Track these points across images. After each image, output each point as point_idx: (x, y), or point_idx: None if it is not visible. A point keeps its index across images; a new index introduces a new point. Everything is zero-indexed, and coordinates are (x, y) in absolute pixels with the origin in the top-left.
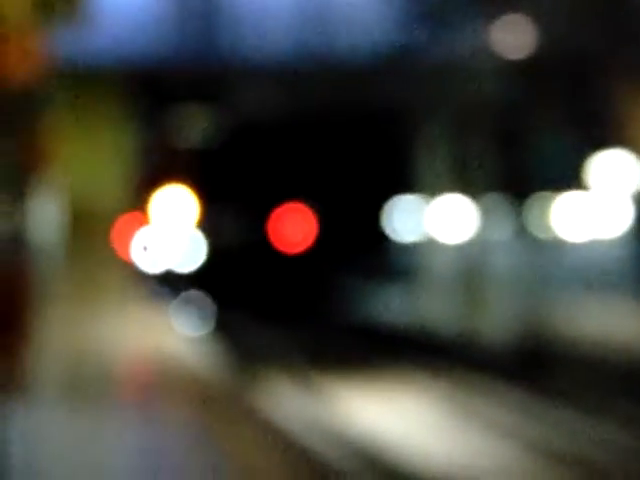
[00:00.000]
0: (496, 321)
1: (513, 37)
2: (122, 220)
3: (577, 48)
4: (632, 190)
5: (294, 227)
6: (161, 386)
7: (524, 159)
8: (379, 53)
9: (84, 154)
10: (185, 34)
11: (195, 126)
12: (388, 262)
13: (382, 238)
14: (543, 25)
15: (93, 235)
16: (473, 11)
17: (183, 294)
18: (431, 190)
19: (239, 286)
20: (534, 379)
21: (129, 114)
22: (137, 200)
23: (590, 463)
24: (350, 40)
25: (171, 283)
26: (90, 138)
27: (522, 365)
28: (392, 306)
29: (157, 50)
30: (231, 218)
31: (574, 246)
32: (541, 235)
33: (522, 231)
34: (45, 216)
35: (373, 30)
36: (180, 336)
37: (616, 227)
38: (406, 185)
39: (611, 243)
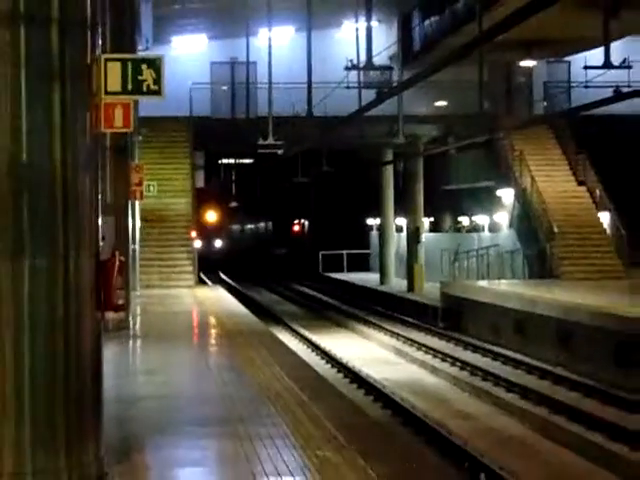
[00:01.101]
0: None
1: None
2: (189, 222)
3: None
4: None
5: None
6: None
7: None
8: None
9: (164, 175)
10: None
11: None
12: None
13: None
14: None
15: (167, 230)
16: None
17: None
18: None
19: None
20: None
21: (191, 150)
22: (197, 209)
23: (474, 366)
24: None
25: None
26: (167, 165)
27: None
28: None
29: (206, 107)
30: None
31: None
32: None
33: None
34: (134, 218)
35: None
36: (221, 294)
37: (503, 227)
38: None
39: (501, 235)
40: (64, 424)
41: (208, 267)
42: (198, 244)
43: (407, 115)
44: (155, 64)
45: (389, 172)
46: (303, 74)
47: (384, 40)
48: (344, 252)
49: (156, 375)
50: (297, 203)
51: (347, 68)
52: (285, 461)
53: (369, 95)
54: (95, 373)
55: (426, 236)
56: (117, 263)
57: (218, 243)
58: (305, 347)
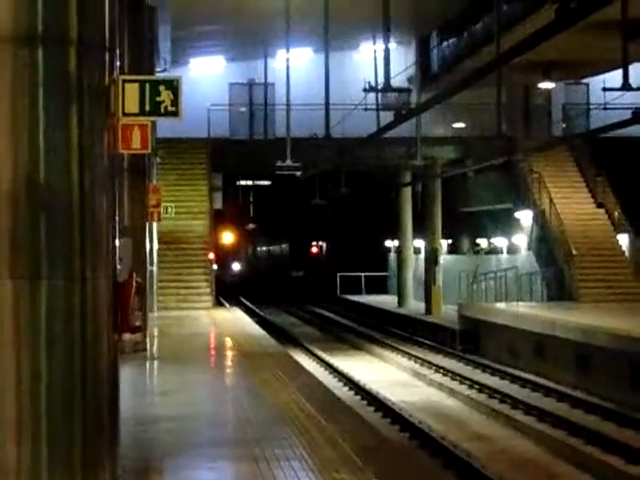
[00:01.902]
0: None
1: None
2: (206, 244)
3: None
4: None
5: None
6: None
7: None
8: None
9: (182, 197)
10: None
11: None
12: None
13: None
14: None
15: (184, 252)
16: None
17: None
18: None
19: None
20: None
21: (209, 172)
22: (214, 231)
23: (492, 388)
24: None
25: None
26: (184, 187)
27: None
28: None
29: (224, 129)
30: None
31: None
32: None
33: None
34: (152, 239)
35: None
36: (238, 315)
37: (522, 249)
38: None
39: (519, 258)
40: (81, 444)
41: (225, 290)
42: (215, 267)
43: (425, 137)
44: (173, 85)
45: (407, 194)
46: (321, 96)
47: (402, 62)
48: (362, 274)
49: (173, 396)
50: (315, 225)
51: (365, 90)
52: None
53: (387, 117)
54: (112, 394)
55: (444, 258)
56: (134, 284)
57: (235, 266)
58: (322, 369)
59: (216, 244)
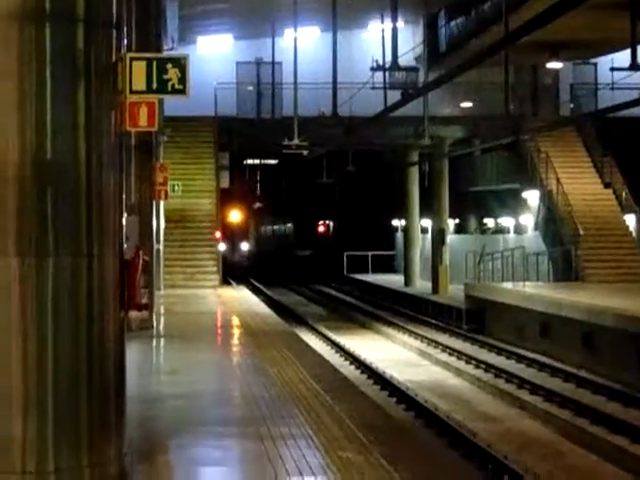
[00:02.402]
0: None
1: None
2: (213, 223)
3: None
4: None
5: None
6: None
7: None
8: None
9: (189, 175)
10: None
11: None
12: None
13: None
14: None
15: (191, 230)
16: None
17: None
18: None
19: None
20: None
21: (216, 150)
22: (221, 209)
23: (498, 368)
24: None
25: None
26: (191, 165)
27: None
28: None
29: (231, 108)
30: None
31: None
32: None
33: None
34: (159, 217)
35: None
36: (245, 294)
37: (528, 228)
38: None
39: (526, 237)
40: (87, 421)
41: (232, 269)
42: (222, 247)
43: (432, 116)
44: (180, 63)
45: (414, 173)
46: (328, 75)
47: (410, 41)
48: (369, 253)
49: (179, 375)
50: (322, 204)
51: (373, 69)
52: (308, 462)
53: (395, 96)
54: (118, 371)
55: (451, 238)
56: (141, 262)
57: (243, 245)
58: (329, 348)
59: (223, 223)
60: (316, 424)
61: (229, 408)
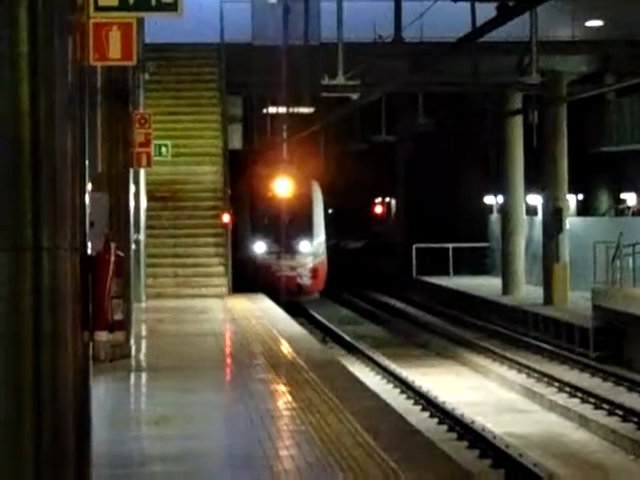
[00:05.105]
0: None
1: None
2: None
3: None
4: None
5: None
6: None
7: None
8: None
9: (182, 131)
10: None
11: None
12: None
13: None
14: None
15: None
16: None
17: None
18: None
19: None
20: None
21: (222, 94)
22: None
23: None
24: None
25: None
26: (186, 116)
27: None
28: None
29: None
30: None
31: None
32: None
33: None
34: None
35: None
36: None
37: None
38: None
39: None
40: None
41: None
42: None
43: (544, 41)
44: None
45: (517, 126)
46: None
47: None
48: (449, 246)
49: (168, 426)
50: (379, 174)
51: None
52: None
53: (487, 11)
54: (79, 421)
55: (572, 221)
56: (113, 260)
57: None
58: (391, 387)
59: (234, 202)
60: None
61: (245, 476)
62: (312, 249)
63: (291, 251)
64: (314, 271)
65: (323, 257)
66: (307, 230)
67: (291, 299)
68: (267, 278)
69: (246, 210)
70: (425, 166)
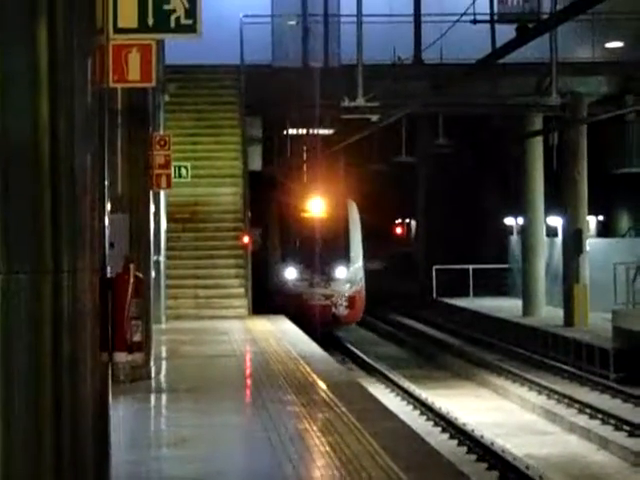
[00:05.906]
0: None
1: None
2: (239, 222)
3: None
4: None
5: None
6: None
7: None
8: None
9: (202, 153)
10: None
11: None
12: None
13: None
14: None
15: (206, 234)
16: None
17: None
18: None
19: None
20: None
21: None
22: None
23: None
24: None
25: None
26: (206, 138)
27: None
28: None
29: (264, 53)
30: None
31: None
32: None
33: None
34: (159, 216)
35: None
36: (285, 328)
37: None
38: None
39: None
40: None
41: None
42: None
43: (564, 62)
44: None
45: (537, 147)
46: (408, 3)
47: None
48: (469, 267)
49: (189, 448)
50: (399, 194)
51: None
52: None
53: (507, 33)
54: (99, 443)
55: (592, 243)
56: (132, 281)
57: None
58: (411, 408)
59: (254, 223)
60: None
61: None
62: (349, 275)
63: (325, 278)
64: (351, 300)
65: (361, 284)
66: (343, 254)
67: (325, 330)
68: (299, 307)
69: (275, 233)
70: (445, 187)
